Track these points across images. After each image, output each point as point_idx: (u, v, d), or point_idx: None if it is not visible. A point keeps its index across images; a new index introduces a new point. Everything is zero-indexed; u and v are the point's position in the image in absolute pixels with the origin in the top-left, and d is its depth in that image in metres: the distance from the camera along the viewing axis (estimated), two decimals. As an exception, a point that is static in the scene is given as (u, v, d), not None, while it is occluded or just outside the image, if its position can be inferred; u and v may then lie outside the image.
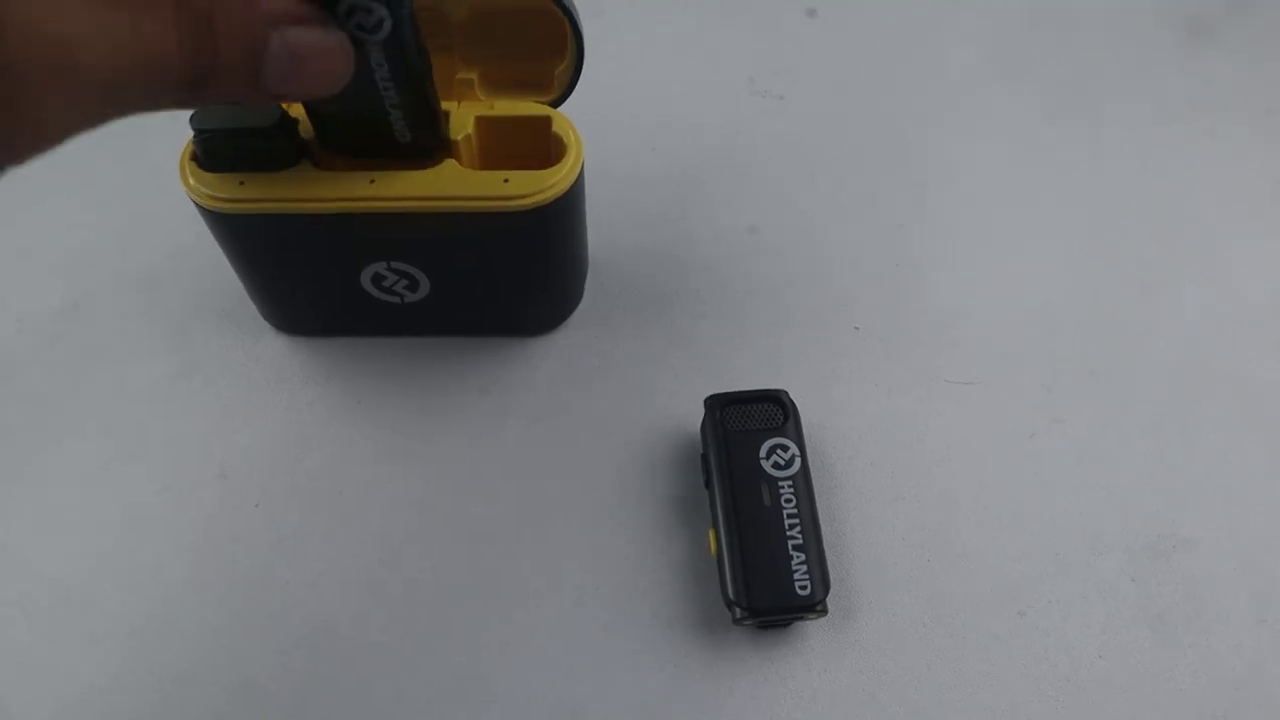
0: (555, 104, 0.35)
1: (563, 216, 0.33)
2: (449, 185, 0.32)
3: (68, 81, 0.18)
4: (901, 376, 0.39)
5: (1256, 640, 0.33)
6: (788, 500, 0.32)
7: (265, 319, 0.39)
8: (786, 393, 0.35)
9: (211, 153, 0.32)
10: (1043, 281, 0.41)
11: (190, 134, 0.32)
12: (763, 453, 0.33)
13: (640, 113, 0.45)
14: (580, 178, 0.33)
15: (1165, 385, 0.39)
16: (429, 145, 0.32)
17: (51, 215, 0.43)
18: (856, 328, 0.40)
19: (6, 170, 0.19)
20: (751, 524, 0.32)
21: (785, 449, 0.33)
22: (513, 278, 0.35)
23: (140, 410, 0.37)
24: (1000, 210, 0.44)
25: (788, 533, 0.32)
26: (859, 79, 0.48)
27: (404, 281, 0.35)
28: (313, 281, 0.36)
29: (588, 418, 0.37)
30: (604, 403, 0.37)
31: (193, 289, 0.40)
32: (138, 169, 0.43)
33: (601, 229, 0.40)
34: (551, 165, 0.33)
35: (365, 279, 0.35)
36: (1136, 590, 0.34)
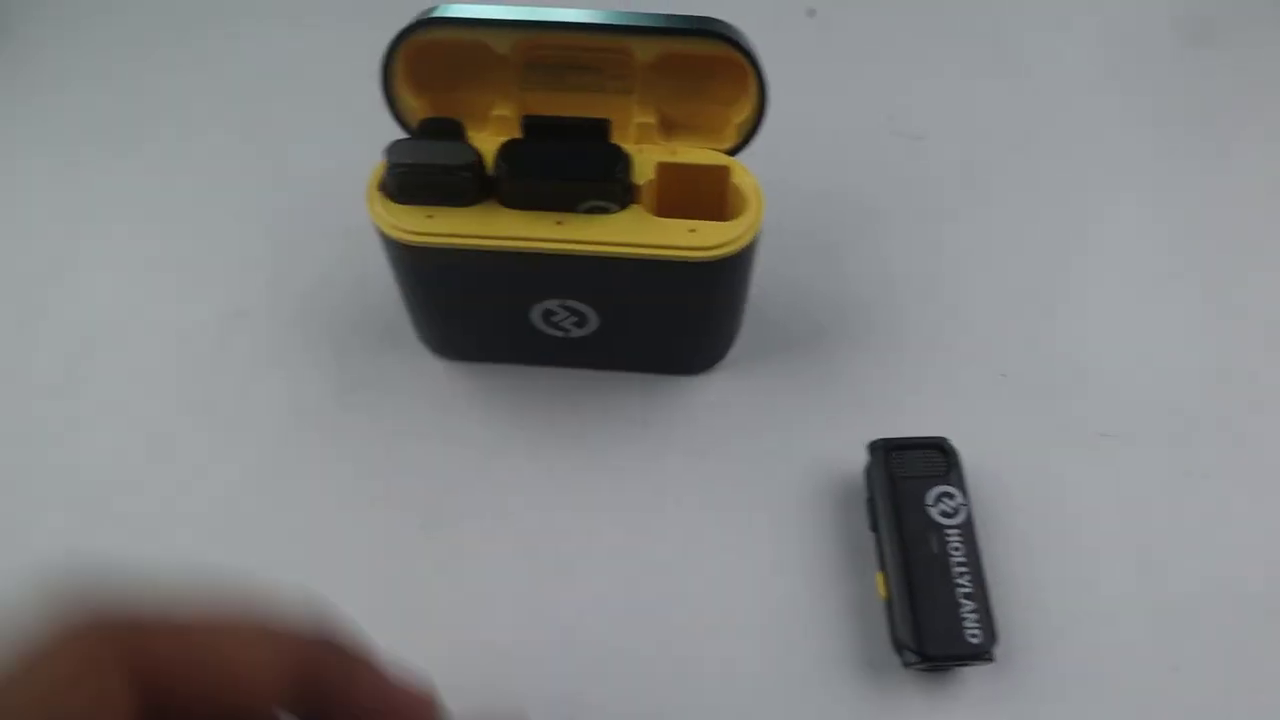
0: (732, 151, 0.35)
1: (740, 266, 0.34)
2: (637, 233, 0.32)
3: None
4: (1046, 425, 0.39)
5: None
6: (955, 548, 0.33)
7: (423, 342, 0.40)
8: (949, 440, 0.35)
9: (403, 185, 0.32)
10: (1187, 333, 0.41)
11: (375, 161, 0.32)
12: (930, 500, 0.34)
13: (792, 151, 0.45)
14: (759, 231, 0.33)
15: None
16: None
17: (214, 227, 0.44)
18: (1003, 374, 0.40)
19: None
20: (921, 570, 0.33)
21: (951, 497, 0.34)
22: (681, 320, 0.36)
23: (305, 423, 0.38)
24: (1146, 259, 0.44)
25: (956, 580, 0.33)
26: (1000, 121, 0.48)
27: (573, 318, 0.36)
28: (483, 313, 0.36)
29: (747, 455, 0.38)
30: (762, 441, 0.38)
31: (350, 307, 0.41)
32: (301, 186, 0.44)
33: (758, 267, 0.40)
34: (725, 212, 0.34)
35: (535, 314, 0.36)
36: (1275, 646, 0.35)
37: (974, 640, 0.32)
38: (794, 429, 0.38)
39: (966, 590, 0.32)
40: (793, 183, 0.44)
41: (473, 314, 0.37)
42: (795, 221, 0.43)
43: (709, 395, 0.39)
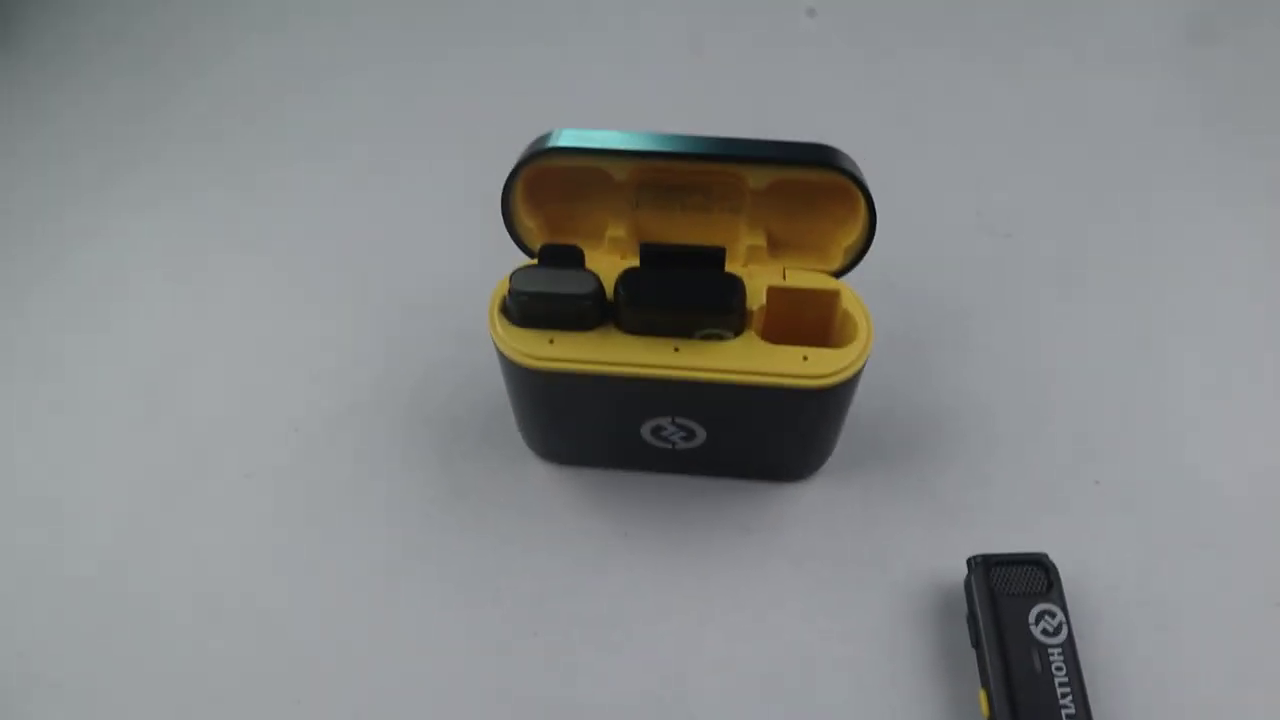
0: (840, 272, 0.36)
1: (849, 390, 0.35)
2: (752, 360, 0.33)
3: None
4: (1141, 534, 0.39)
5: None
6: (1058, 668, 0.34)
7: (528, 445, 0.41)
8: (1048, 556, 0.36)
9: (526, 312, 0.34)
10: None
11: (492, 270, 0.34)
12: (1031, 618, 0.34)
13: (885, 251, 0.46)
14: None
15: None
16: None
17: (319, 327, 0.45)
18: (1097, 482, 0.41)
19: None
20: (1025, 690, 0.33)
21: (1053, 615, 0.35)
22: (787, 437, 0.37)
23: (410, 523, 0.39)
24: (1246, 352, 0.44)
25: (1060, 701, 0.33)
26: (1084, 214, 0.49)
27: (681, 433, 0.37)
28: (594, 427, 0.38)
29: (846, 564, 0.38)
30: (860, 549, 0.39)
31: (457, 407, 0.42)
32: (421, 284, 0.46)
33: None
34: (832, 333, 0.35)
35: (645, 430, 0.37)
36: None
37: None
38: (891, 537, 0.39)
39: (1070, 711, 0.33)
40: (885, 282, 0.45)
41: (583, 428, 0.38)
42: (887, 323, 0.44)
43: (809, 502, 0.40)
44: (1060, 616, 0.35)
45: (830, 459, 0.41)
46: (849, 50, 0.57)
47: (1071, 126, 0.53)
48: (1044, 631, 0.34)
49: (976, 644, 0.35)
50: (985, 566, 0.36)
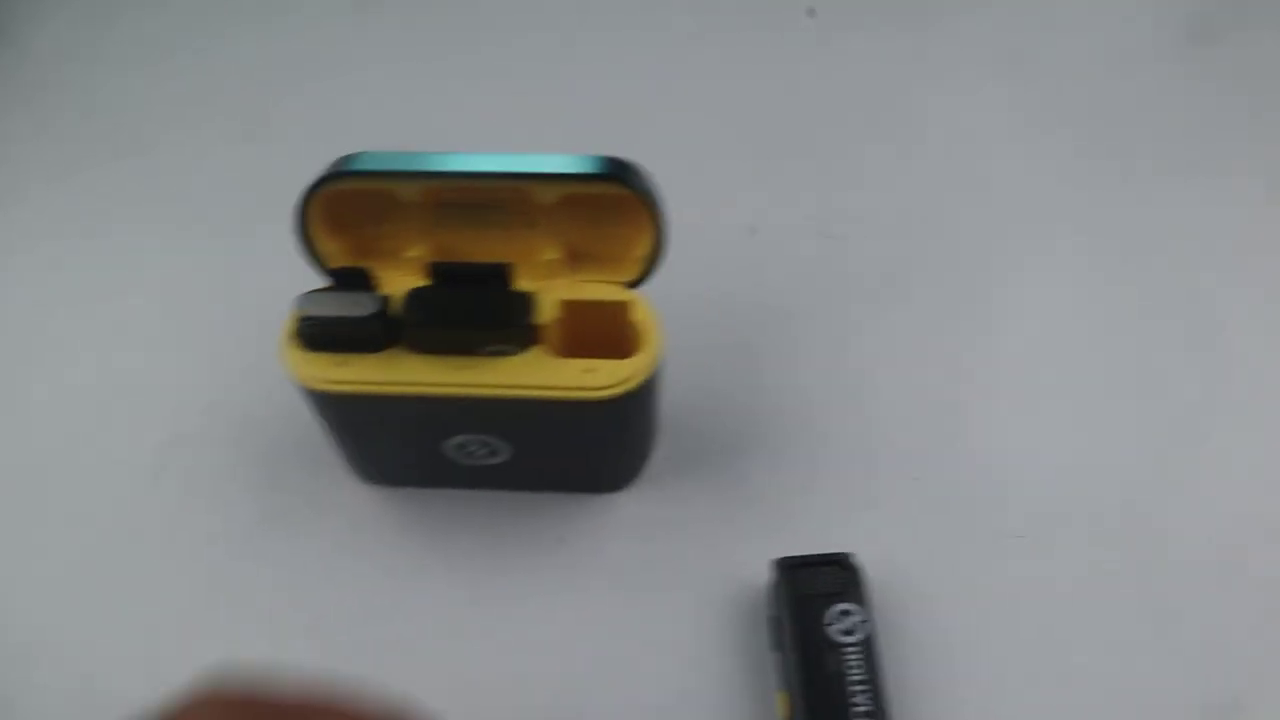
0: (635, 284, 0.36)
1: (642, 400, 0.35)
2: (535, 374, 0.33)
3: None
4: (957, 529, 0.40)
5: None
6: (853, 667, 0.34)
7: (349, 468, 0.41)
8: (851, 556, 0.36)
9: (312, 336, 0.34)
10: (1093, 432, 0.42)
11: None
12: (829, 618, 0.35)
13: (703, 257, 0.47)
14: (659, 365, 0.34)
15: (1219, 537, 0.40)
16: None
17: (149, 357, 0.45)
18: (915, 478, 0.41)
19: None
20: (820, 690, 0.33)
21: (849, 614, 0.35)
22: (590, 449, 0.37)
23: (232, 552, 0.39)
24: (1052, 353, 0.45)
25: (853, 700, 0.33)
26: (919, 218, 0.49)
27: (486, 449, 0.37)
28: (398, 447, 0.38)
29: (659, 572, 0.39)
30: (674, 557, 0.39)
31: (280, 435, 0.42)
32: (246, 310, 0.45)
33: (670, 383, 0.41)
34: (628, 344, 0.35)
35: (448, 447, 0.37)
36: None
37: None
38: (706, 544, 0.39)
39: (864, 709, 0.33)
40: (714, 289, 0.46)
41: (388, 448, 0.38)
42: (712, 331, 0.45)
43: (626, 512, 0.40)
44: (858, 615, 0.35)
45: (653, 466, 0.41)
46: (676, 59, 0.58)
47: (902, 130, 0.53)
48: (841, 631, 0.35)
49: (778, 646, 0.35)
50: (787, 568, 0.36)
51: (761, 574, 0.38)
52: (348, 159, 0.34)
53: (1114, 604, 0.38)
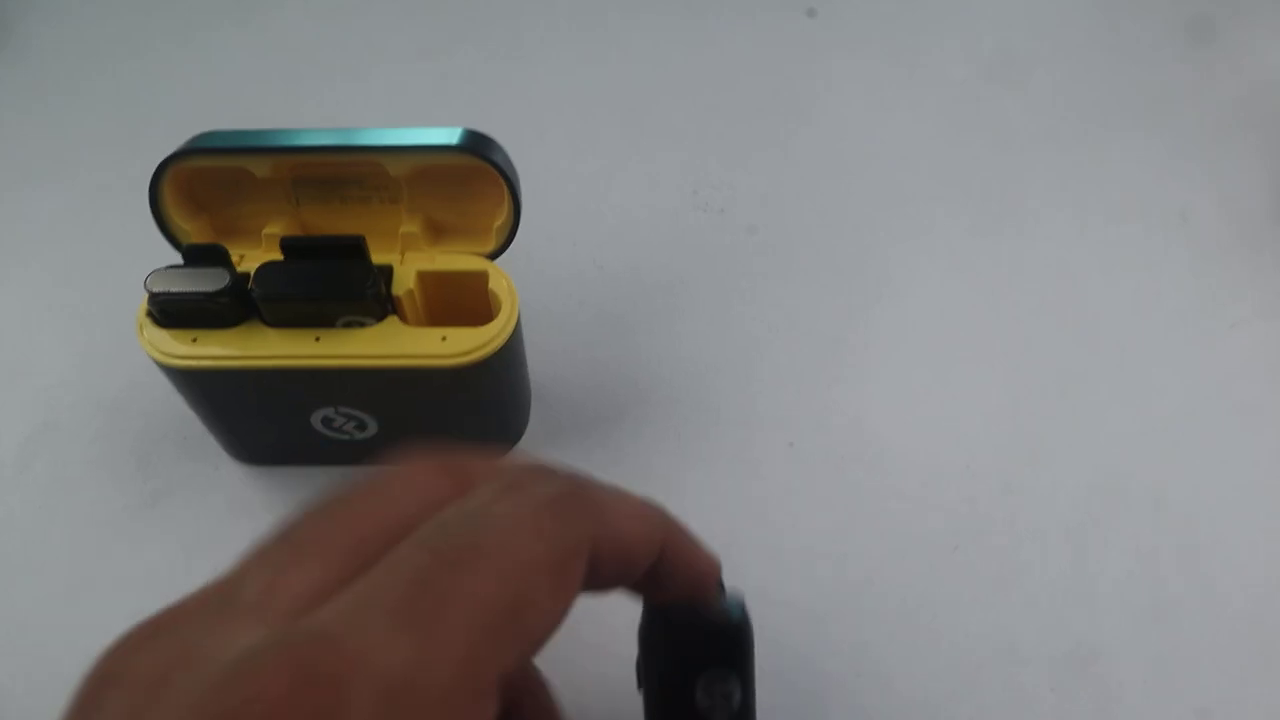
0: (494, 254, 0.37)
1: (500, 366, 0.35)
2: (390, 344, 0.34)
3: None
4: (830, 494, 0.40)
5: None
6: None
7: (224, 449, 0.41)
8: (741, 610, 0.27)
9: (167, 312, 0.34)
10: (966, 396, 0.43)
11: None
12: (700, 686, 0.27)
13: (585, 232, 0.47)
14: (516, 330, 0.35)
15: (1081, 497, 0.41)
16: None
17: (17, 344, 0.45)
18: (790, 444, 0.42)
19: None
20: None
21: (725, 681, 0.27)
22: (456, 419, 0.37)
23: (107, 536, 0.39)
24: (929, 323, 0.46)
25: None
26: (798, 192, 0.50)
27: (353, 423, 0.37)
28: (266, 423, 0.38)
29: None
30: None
31: (154, 418, 0.42)
32: (101, 299, 0.45)
33: (545, 355, 0.41)
34: (491, 313, 0.36)
35: (315, 421, 0.37)
36: (1056, 699, 0.36)
37: None
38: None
39: None
40: (593, 260, 0.46)
41: (256, 424, 0.38)
42: (590, 304, 0.45)
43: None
44: (734, 685, 0.27)
45: (527, 438, 0.41)
46: (571, 38, 0.58)
47: (789, 104, 0.54)
48: (712, 702, 0.27)
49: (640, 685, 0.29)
50: (661, 620, 0.27)
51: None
52: (199, 137, 0.35)
53: (980, 562, 0.39)
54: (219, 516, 0.40)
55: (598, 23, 0.59)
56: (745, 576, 0.38)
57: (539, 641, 0.19)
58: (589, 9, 0.59)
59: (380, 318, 0.34)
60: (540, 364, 0.41)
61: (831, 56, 0.57)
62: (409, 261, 0.36)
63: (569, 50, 0.57)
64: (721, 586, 0.26)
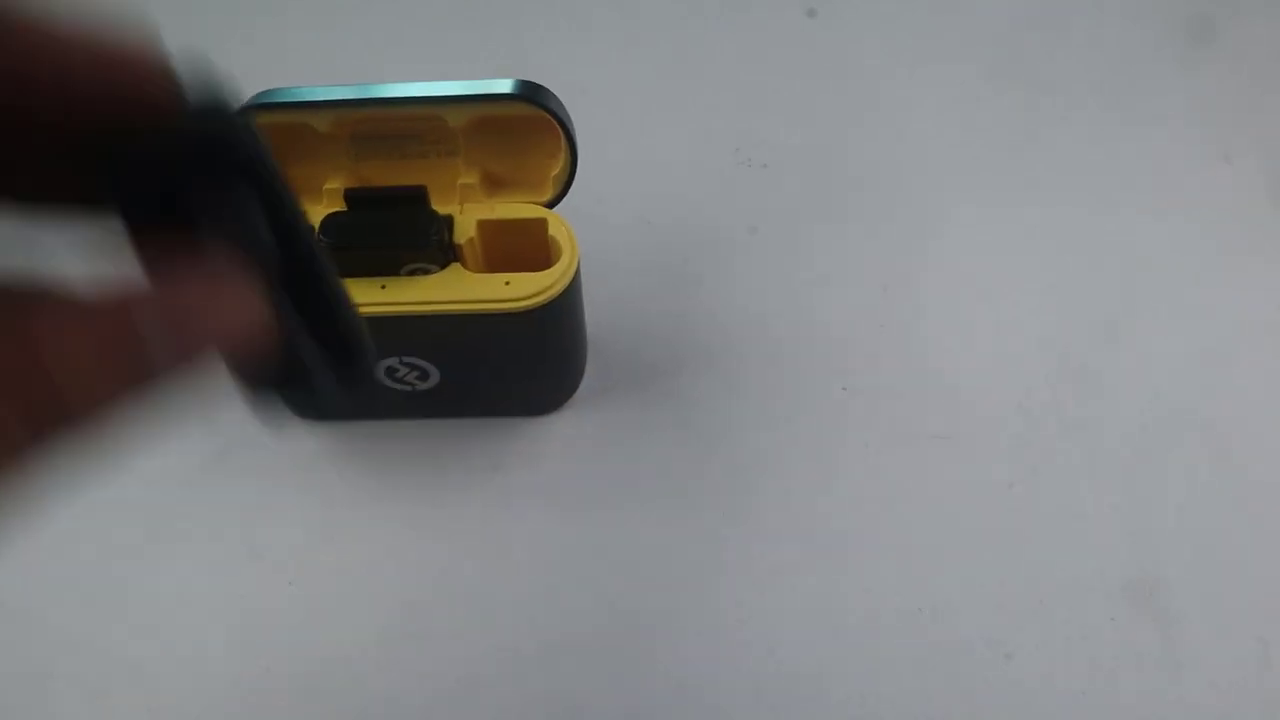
0: (552, 204, 0.37)
1: (561, 313, 0.36)
2: (454, 290, 0.34)
3: None
4: (887, 433, 0.41)
5: (1224, 677, 0.35)
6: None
7: (287, 406, 0.41)
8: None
9: (235, 266, 0.34)
10: (1016, 335, 0.44)
11: None
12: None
13: (634, 188, 0.48)
14: (576, 276, 0.35)
15: (1135, 430, 0.41)
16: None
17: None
18: (844, 388, 0.42)
19: None
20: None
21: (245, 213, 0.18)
22: (517, 367, 0.38)
23: (176, 493, 0.40)
24: (976, 265, 0.46)
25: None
26: (838, 145, 0.50)
27: (415, 373, 0.38)
28: (330, 376, 0.38)
29: (595, 493, 0.39)
30: (608, 477, 0.40)
31: (218, 377, 0.43)
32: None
33: (601, 307, 0.42)
34: (548, 262, 0.36)
35: (380, 371, 0.38)
36: (1115, 629, 0.37)
37: None
38: (640, 463, 0.40)
39: None
40: (641, 216, 0.47)
41: (321, 377, 0.39)
42: (643, 257, 0.46)
43: (558, 435, 0.41)
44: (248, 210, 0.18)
45: (583, 390, 0.42)
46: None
47: (825, 58, 0.54)
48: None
49: None
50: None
51: (696, 485, 0.39)
52: (259, 95, 0.35)
53: (1037, 494, 0.39)
54: (285, 473, 0.40)
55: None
56: (804, 515, 0.39)
57: None
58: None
59: (444, 265, 0.35)
60: (595, 316, 0.41)
61: (869, 13, 0.57)
62: (469, 212, 0.36)
63: (609, 7, 0.57)
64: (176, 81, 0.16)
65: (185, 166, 0.16)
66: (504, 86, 0.35)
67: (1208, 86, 0.53)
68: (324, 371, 0.22)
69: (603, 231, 0.42)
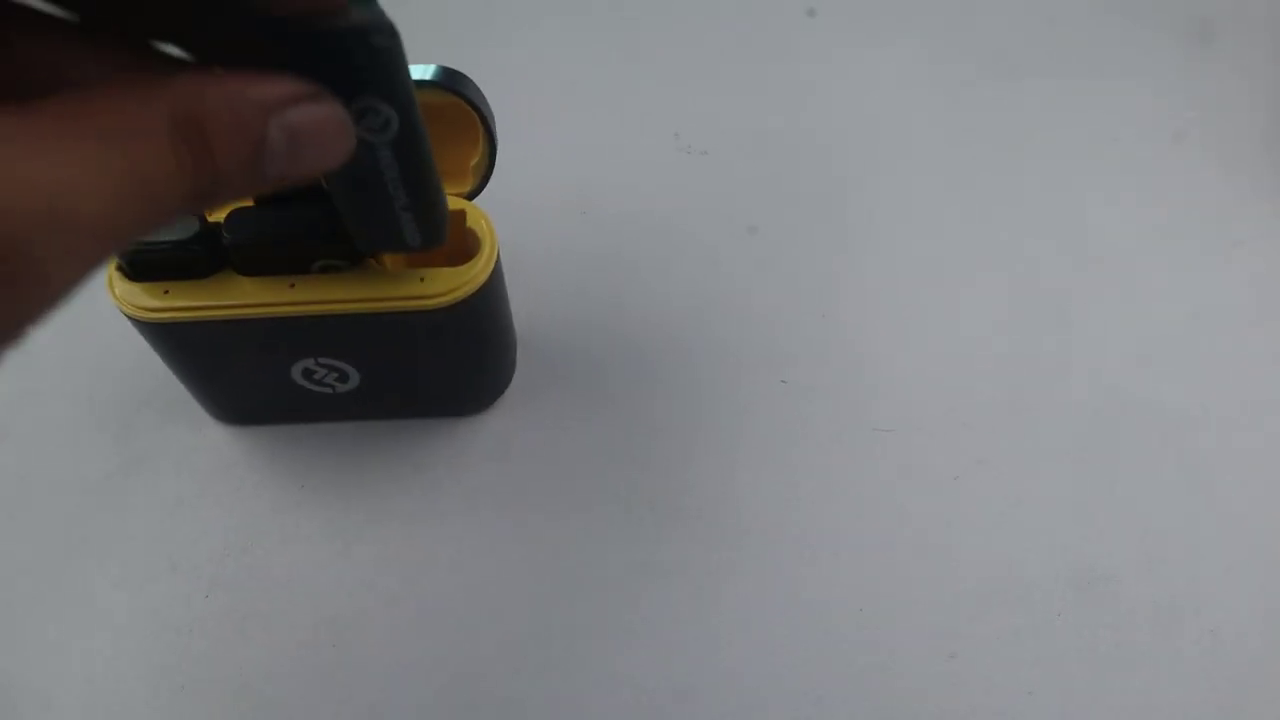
0: (472, 195, 0.36)
1: (481, 308, 0.34)
2: (367, 288, 0.33)
3: (67, 234, 0.16)
4: (828, 427, 0.40)
5: (1176, 670, 0.35)
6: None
7: (205, 410, 0.40)
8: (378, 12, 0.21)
9: (136, 264, 0.33)
10: (963, 323, 0.42)
11: None
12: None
13: (566, 176, 0.46)
14: (497, 269, 0.34)
15: (1084, 419, 0.40)
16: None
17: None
18: (783, 381, 0.41)
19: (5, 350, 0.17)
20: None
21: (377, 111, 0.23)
22: (439, 367, 0.36)
23: (89, 504, 0.38)
24: (920, 252, 0.45)
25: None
26: (779, 131, 0.49)
27: (334, 374, 0.36)
28: (245, 378, 0.37)
29: (521, 493, 0.38)
30: (536, 478, 0.38)
31: (133, 382, 0.41)
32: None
33: (531, 302, 0.41)
34: (470, 255, 0.35)
35: (296, 373, 0.36)
36: (1063, 624, 0.36)
37: None
38: (572, 465, 0.39)
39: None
40: (574, 205, 0.45)
41: (235, 380, 0.37)
42: (575, 251, 0.44)
43: (484, 436, 0.39)
44: (387, 110, 0.23)
45: (514, 389, 0.40)
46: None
47: (767, 50, 0.53)
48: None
49: None
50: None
51: (635, 483, 0.38)
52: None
53: (983, 487, 0.38)
54: (203, 479, 0.39)
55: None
56: (743, 514, 0.37)
57: None
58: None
59: (356, 262, 0.33)
60: (525, 311, 0.40)
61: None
62: (384, 204, 0.35)
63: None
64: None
65: (348, 68, 0.21)
66: (423, 73, 0.33)
67: (1158, 65, 0.51)
68: (411, 232, 0.29)
69: (535, 221, 0.41)
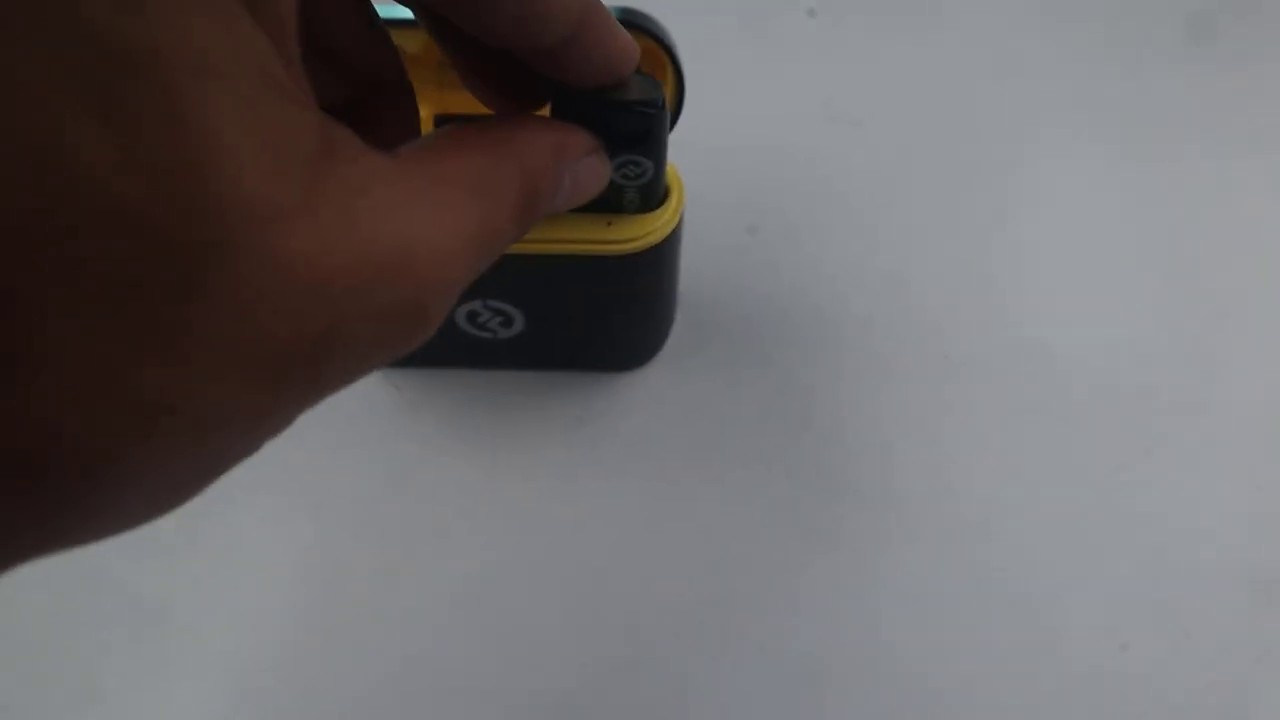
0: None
1: (662, 259, 0.33)
2: (552, 229, 0.32)
3: (453, 292, 0.18)
4: (990, 406, 0.38)
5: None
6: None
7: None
8: (657, 93, 0.25)
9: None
10: (1128, 310, 0.41)
11: None
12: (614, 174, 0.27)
13: (721, 142, 0.45)
14: (681, 221, 0.33)
15: (1254, 413, 0.38)
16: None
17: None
18: (946, 355, 0.40)
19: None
20: None
21: (638, 163, 0.29)
22: (608, 316, 0.36)
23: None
24: (1086, 236, 0.43)
25: None
26: (937, 104, 0.47)
27: (499, 318, 0.35)
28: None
29: (681, 450, 0.37)
30: (696, 435, 0.37)
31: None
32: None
33: (688, 261, 0.39)
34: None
35: (460, 315, 0.35)
36: (1239, 624, 0.34)
37: None
38: (728, 421, 0.38)
39: None
40: (726, 170, 0.44)
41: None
42: (731, 213, 0.43)
43: (644, 391, 0.38)
44: (646, 165, 0.29)
45: (670, 347, 0.39)
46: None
47: (924, 20, 0.51)
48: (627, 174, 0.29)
49: None
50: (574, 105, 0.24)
51: (791, 449, 0.36)
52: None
53: (1158, 478, 0.37)
54: (352, 420, 0.38)
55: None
56: (899, 490, 0.36)
57: None
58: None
59: (541, 201, 0.32)
60: (684, 272, 0.39)
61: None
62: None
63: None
64: (640, 74, 0.24)
65: (622, 129, 0.25)
66: (614, 15, 0.32)
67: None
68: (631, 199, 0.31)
69: (690, 175, 0.40)
